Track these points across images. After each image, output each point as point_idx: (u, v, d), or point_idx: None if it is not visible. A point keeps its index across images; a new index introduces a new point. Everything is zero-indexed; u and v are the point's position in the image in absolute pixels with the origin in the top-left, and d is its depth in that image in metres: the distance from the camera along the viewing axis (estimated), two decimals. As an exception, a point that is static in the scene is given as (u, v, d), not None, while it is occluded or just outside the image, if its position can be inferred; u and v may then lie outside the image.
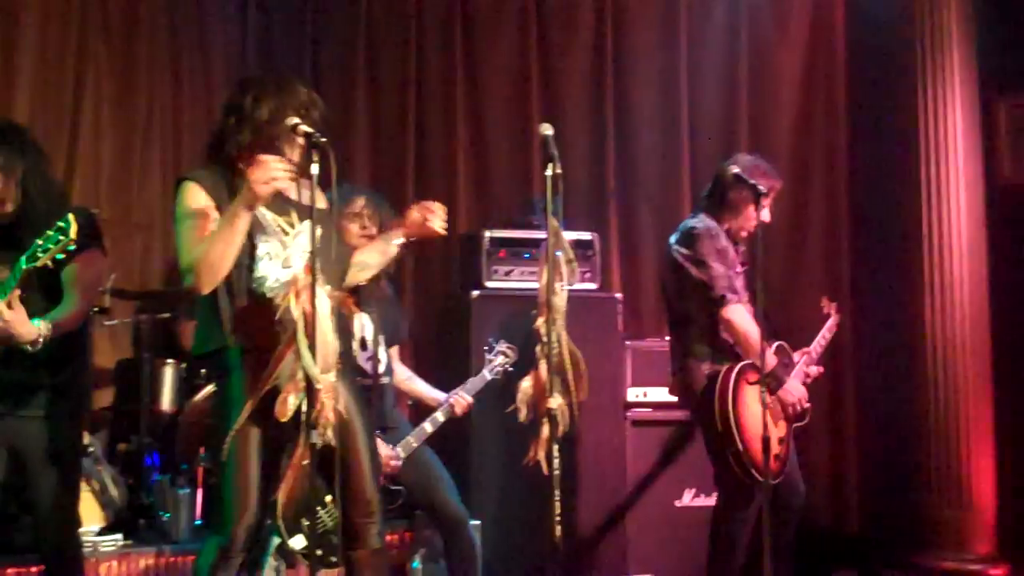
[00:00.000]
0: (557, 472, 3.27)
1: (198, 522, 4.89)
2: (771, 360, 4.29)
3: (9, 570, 4.27)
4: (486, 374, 4.72)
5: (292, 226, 3.34)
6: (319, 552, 3.90)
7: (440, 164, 6.28)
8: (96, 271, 3.59)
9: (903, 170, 5.85)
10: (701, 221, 4.53)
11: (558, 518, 3.29)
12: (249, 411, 3.17)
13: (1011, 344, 5.77)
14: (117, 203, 5.84)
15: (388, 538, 3.63)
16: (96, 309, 5.24)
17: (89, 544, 4.51)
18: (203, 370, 5.34)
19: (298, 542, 4.10)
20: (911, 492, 5.71)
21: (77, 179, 5.74)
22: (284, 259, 3.30)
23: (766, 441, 3.94)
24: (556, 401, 3.28)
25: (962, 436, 5.54)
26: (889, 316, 6.05)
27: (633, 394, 5.54)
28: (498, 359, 4.73)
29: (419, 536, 4.84)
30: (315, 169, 3.08)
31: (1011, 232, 5.86)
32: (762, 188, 4.26)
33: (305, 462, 3.03)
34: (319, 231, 3.15)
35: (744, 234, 4.59)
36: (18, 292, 3.22)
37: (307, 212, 3.14)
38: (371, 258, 3.64)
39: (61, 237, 3.15)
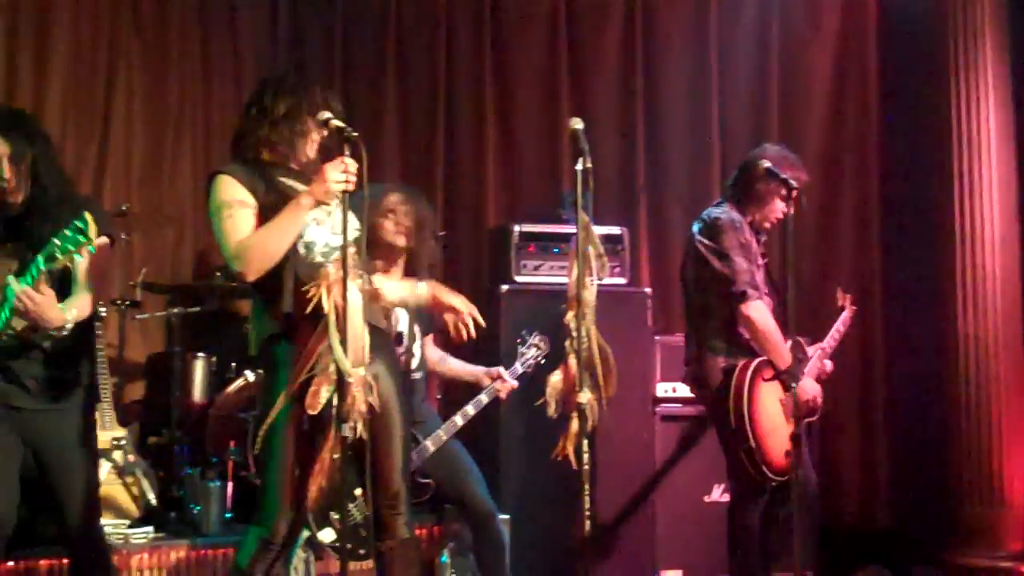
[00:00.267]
0: (587, 467, 3.27)
1: (228, 515, 4.92)
2: (788, 357, 4.28)
3: (42, 562, 4.31)
4: (518, 367, 4.69)
5: (328, 215, 3.36)
6: (349, 546, 3.91)
7: (470, 161, 6.30)
8: (104, 260, 3.56)
9: (935, 164, 5.81)
10: (725, 212, 4.47)
11: (588, 512, 3.28)
12: (286, 403, 3.19)
13: (1044, 338, 5.71)
14: (148, 197, 5.89)
15: (417, 532, 3.62)
16: (127, 303, 5.30)
17: (120, 536, 4.56)
18: (233, 364, 5.40)
19: (327, 535, 4.11)
20: (942, 488, 5.67)
21: (108, 173, 5.80)
22: (331, 225, 3.30)
23: (796, 439, 3.97)
24: (585, 396, 3.27)
25: (994, 432, 5.50)
26: (920, 310, 6.01)
27: (662, 389, 5.52)
28: (531, 352, 4.69)
29: (448, 530, 4.86)
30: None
31: (1044, 226, 5.80)
32: (793, 183, 4.23)
33: (335, 455, 3.05)
34: (355, 222, 3.17)
35: (767, 225, 4.54)
36: (44, 279, 3.23)
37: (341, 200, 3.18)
38: (392, 291, 3.66)
39: (80, 238, 3.12)
